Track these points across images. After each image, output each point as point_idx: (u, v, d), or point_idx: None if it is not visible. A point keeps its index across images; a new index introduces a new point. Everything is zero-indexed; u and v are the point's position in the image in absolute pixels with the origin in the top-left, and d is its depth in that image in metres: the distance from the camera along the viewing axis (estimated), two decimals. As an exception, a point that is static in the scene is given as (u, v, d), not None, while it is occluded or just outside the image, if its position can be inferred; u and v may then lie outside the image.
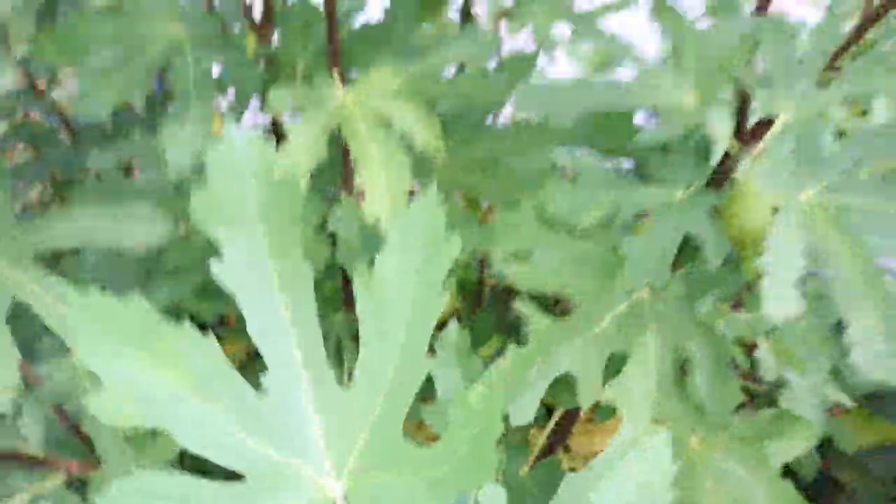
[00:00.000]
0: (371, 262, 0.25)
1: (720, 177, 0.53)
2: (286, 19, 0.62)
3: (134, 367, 0.24)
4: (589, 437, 0.70)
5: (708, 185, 0.53)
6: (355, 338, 0.25)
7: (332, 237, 0.60)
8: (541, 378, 0.50)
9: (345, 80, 0.56)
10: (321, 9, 0.60)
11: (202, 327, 0.25)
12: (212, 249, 0.26)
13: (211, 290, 0.60)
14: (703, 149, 0.54)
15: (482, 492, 0.28)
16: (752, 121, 0.49)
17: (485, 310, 0.82)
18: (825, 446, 0.78)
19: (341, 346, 0.64)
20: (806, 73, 0.49)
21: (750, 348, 0.71)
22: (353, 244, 0.58)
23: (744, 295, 0.61)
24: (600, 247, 0.52)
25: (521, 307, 0.51)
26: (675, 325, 0.51)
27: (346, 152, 0.57)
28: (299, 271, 0.25)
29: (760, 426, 0.54)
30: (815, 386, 0.65)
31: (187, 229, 0.59)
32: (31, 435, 0.46)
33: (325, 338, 0.69)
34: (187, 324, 0.25)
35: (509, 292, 0.54)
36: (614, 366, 0.52)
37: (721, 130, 0.51)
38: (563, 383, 0.52)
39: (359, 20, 0.68)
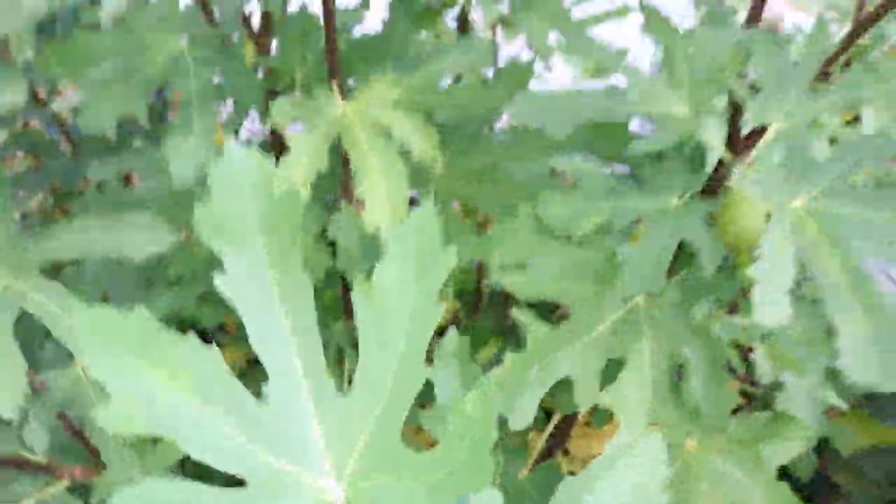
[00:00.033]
0: (369, 272, 0.26)
1: (714, 184, 0.54)
2: (285, 29, 0.63)
3: (138, 376, 0.25)
4: (587, 441, 0.71)
5: (702, 192, 0.53)
6: (356, 345, 0.26)
7: (333, 245, 0.61)
8: (539, 383, 0.51)
9: (344, 89, 0.56)
10: (319, 17, 0.61)
11: (203, 334, 0.26)
12: (213, 259, 0.27)
13: (212, 298, 0.61)
14: (698, 157, 0.54)
15: (479, 496, 0.28)
16: (745, 129, 0.50)
17: (483, 313, 0.82)
18: (822, 448, 0.79)
19: (342, 353, 0.65)
20: (797, 81, 0.50)
21: (746, 352, 0.72)
22: (353, 252, 0.59)
23: (739, 300, 0.62)
24: (597, 254, 0.53)
25: (519, 315, 0.51)
26: (670, 331, 0.52)
27: (345, 161, 0.58)
28: (299, 282, 0.26)
29: (756, 428, 0.54)
30: (810, 388, 0.66)
31: (188, 238, 0.60)
32: (37, 441, 0.46)
33: (326, 346, 0.70)
34: (190, 334, 0.25)
35: (507, 296, 0.55)
36: (612, 371, 0.52)
37: (715, 139, 0.52)
38: (562, 388, 0.53)
39: (357, 30, 0.69)
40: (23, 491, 0.49)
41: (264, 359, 0.26)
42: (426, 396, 0.44)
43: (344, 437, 0.26)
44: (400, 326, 0.25)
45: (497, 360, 0.51)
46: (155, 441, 0.49)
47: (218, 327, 0.82)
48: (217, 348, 0.25)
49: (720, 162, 0.52)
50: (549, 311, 0.69)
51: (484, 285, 0.82)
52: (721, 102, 0.54)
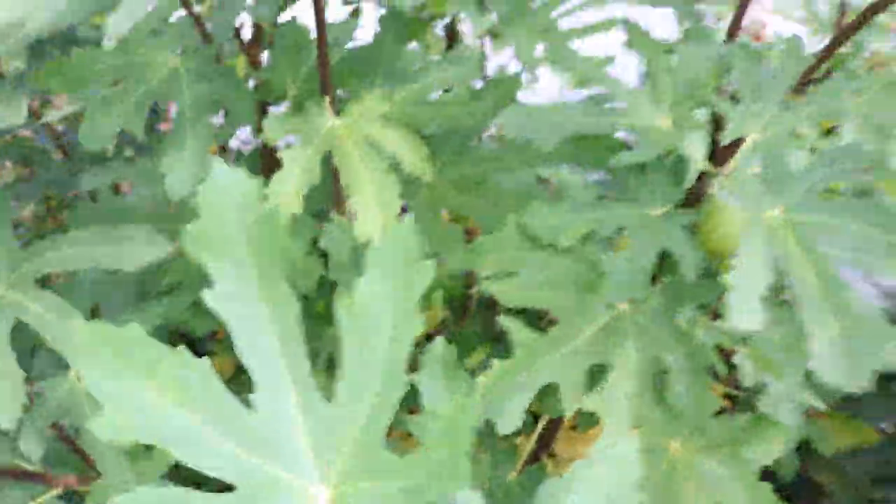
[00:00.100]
0: (351, 285, 0.27)
1: (695, 195, 0.55)
2: (277, 42, 0.64)
3: (130, 388, 0.26)
4: (573, 444, 0.72)
5: (684, 202, 0.55)
6: (346, 354, 0.27)
7: (324, 255, 0.62)
8: (525, 388, 0.52)
9: (335, 103, 0.58)
10: (310, 29, 0.62)
11: (194, 342, 0.27)
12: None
13: (203, 307, 0.62)
14: (680, 168, 0.56)
15: (461, 498, 0.29)
16: (725, 141, 0.51)
17: (472, 320, 0.83)
18: (804, 449, 0.80)
19: (334, 361, 0.66)
20: (774, 94, 0.52)
21: (729, 355, 0.73)
22: (345, 262, 0.60)
23: (721, 305, 0.63)
24: (582, 263, 0.54)
25: (506, 322, 0.53)
26: (654, 336, 0.53)
27: (336, 173, 0.59)
28: (284, 295, 0.27)
29: (737, 430, 0.56)
30: (790, 391, 0.67)
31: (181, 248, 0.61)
32: (32, 451, 0.47)
33: (318, 353, 0.71)
34: (180, 346, 0.26)
35: (495, 303, 0.56)
36: (597, 375, 0.53)
37: (696, 151, 0.54)
38: (549, 392, 0.54)
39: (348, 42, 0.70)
40: (17, 499, 0.50)
41: (252, 369, 0.28)
42: (415, 403, 0.45)
43: (330, 443, 0.27)
44: (381, 338, 0.26)
45: (485, 367, 0.52)
46: (148, 448, 0.50)
47: (210, 335, 0.82)
48: (207, 359, 0.26)
49: (701, 173, 0.54)
50: (538, 318, 0.70)
51: (472, 292, 0.83)
52: (702, 115, 0.55)
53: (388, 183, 0.53)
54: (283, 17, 0.67)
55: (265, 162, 0.73)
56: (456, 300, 0.84)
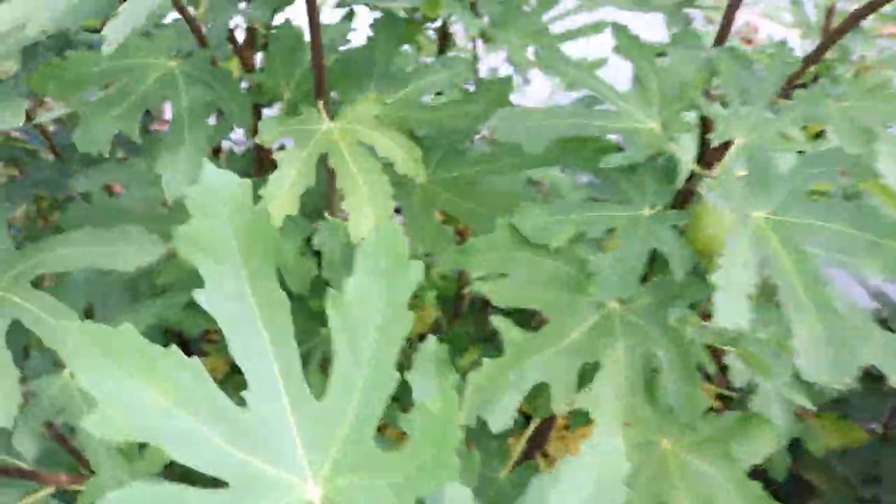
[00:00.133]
0: (341, 285, 0.27)
1: (684, 196, 0.56)
2: (272, 45, 0.64)
3: (126, 387, 0.27)
4: (565, 443, 0.72)
5: (673, 203, 0.56)
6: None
7: (318, 255, 0.62)
8: (516, 387, 0.52)
9: (329, 105, 0.58)
10: (304, 32, 0.63)
11: (187, 343, 0.28)
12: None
13: (196, 307, 0.62)
14: (669, 169, 0.56)
15: (451, 493, 0.30)
16: (713, 143, 0.52)
17: (464, 320, 0.84)
18: (795, 449, 0.81)
19: (328, 360, 0.66)
20: (760, 98, 0.53)
21: (720, 355, 0.74)
22: (338, 262, 0.61)
23: (710, 305, 0.64)
24: (572, 263, 0.55)
25: (497, 322, 0.53)
26: (644, 334, 0.54)
27: (329, 174, 0.60)
28: (275, 295, 0.28)
29: (727, 428, 0.56)
30: (780, 390, 0.68)
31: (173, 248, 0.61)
32: (26, 449, 0.47)
33: (312, 351, 0.71)
34: (172, 346, 0.27)
35: (488, 303, 0.57)
36: (588, 374, 0.54)
37: (685, 153, 0.54)
38: (540, 392, 0.55)
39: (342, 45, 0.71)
40: (10, 498, 0.50)
41: (244, 367, 0.28)
42: (409, 401, 0.45)
43: (320, 439, 0.27)
44: (370, 336, 0.27)
45: (477, 366, 0.53)
46: (142, 447, 0.50)
47: (202, 335, 0.83)
48: (198, 359, 0.27)
49: (690, 174, 0.55)
50: (531, 317, 0.70)
51: (465, 293, 0.83)
52: (692, 117, 0.56)
53: (381, 184, 0.54)
54: (277, 20, 0.68)
55: (259, 163, 0.73)
56: (448, 301, 0.85)
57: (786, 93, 0.54)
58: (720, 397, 0.84)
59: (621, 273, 0.52)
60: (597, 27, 0.70)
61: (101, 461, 0.46)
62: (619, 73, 0.61)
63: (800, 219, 0.45)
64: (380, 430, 0.46)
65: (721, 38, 0.55)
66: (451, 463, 0.23)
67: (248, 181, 0.28)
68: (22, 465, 0.50)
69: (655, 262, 0.56)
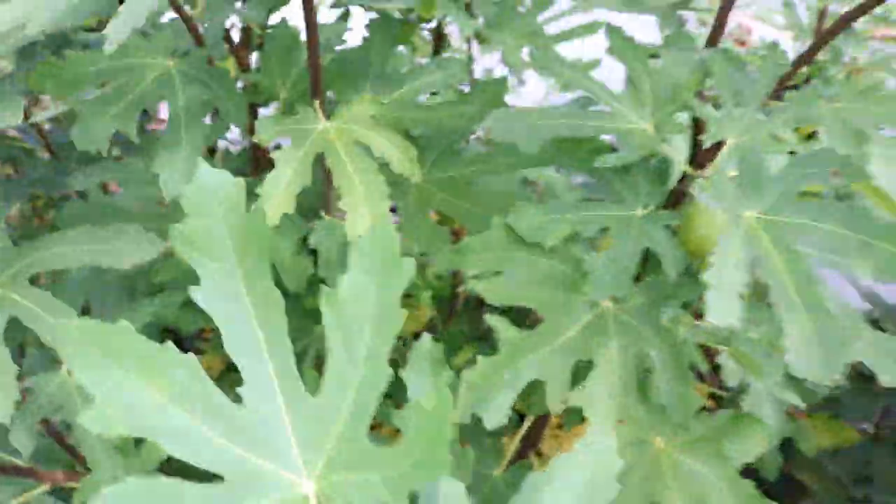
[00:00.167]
0: (336, 282, 0.28)
1: (677, 196, 0.56)
2: (267, 44, 0.65)
3: (124, 384, 0.27)
4: (559, 442, 0.73)
5: (665, 203, 0.56)
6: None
7: (314, 253, 0.63)
8: (511, 385, 0.53)
9: (325, 105, 0.58)
10: (300, 32, 0.63)
11: (182, 341, 0.28)
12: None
13: (192, 306, 0.62)
14: (662, 169, 0.57)
15: (445, 488, 0.30)
16: (705, 144, 0.53)
17: (458, 319, 0.84)
18: (787, 449, 0.81)
19: (322, 358, 0.66)
20: (752, 99, 0.53)
21: (713, 356, 0.74)
22: (334, 260, 0.61)
23: (702, 305, 0.64)
24: (566, 262, 0.55)
25: (492, 320, 0.54)
26: (637, 333, 0.54)
27: (325, 174, 0.60)
28: (270, 295, 0.28)
29: (719, 426, 0.57)
30: (771, 390, 0.68)
31: (170, 247, 0.61)
32: (22, 446, 0.48)
33: (306, 349, 0.71)
34: (168, 343, 0.27)
35: (482, 303, 0.57)
36: (581, 372, 0.54)
37: (678, 154, 0.55)
38: (534, 390, 0.55)
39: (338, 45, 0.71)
40: (6, 495, 0.50)
41: (239, 364, 0.28)
42: (404, 399, 0.46)
43: (314, 435, 0.28)
44: (364, 332, 0.27)
45: (471, 365, 0.53)
46: (137, 444, 0.50)
47: (197, 333, 0.83)
48: (194, 356, 0.27)
49: (683, 174, 0.55)
50: (525, 316, 0.71)
51: (459, 292, 0.84)
52: (683, 119, 0.57)
53: (377, 184, 0.54)
54: (272, 20, 0.68)
55: (254, 163, 0.73)
56: (443, 300, 0.85)
57: (778, 94, 0.55)
58: (712, 397, 0.84)
59: (615, 272, 0.53)
60: (591, 28, 0.71)
61: (98, 458, 0.46)
62: (612, 76, 0.62)
63: (791, 219, 0.45)
64: (374, 428, 0.46)
65: (713, 39, 0.56)
66: (445, 458, 0.24)
67: (242, 180, 0.28)
68: (18, 462, 0.50)
69: (648, 262, 0.57)
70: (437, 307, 0.83)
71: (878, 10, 0.79)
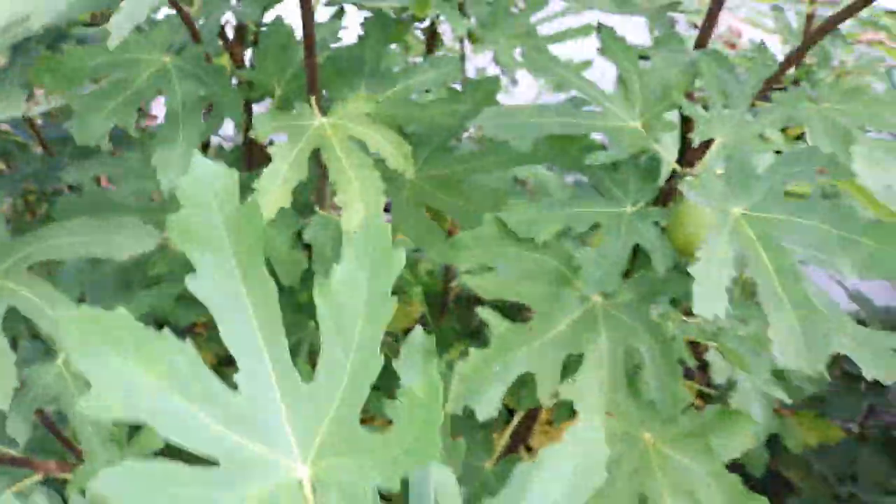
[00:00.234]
0: (329, 272, 0.28)
1: (666, 193, 0.57)
2: (262, 41, 0.65)
3: (121, 370, 0.27)
4: (549, 437, 0.74)
5: (656, 200, 0.57)
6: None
7: (308, 247, 0.63)
8: (502, 378, 0.53)
9: (321, 102, 0.59)
10: (295, 30, 0.64)
11: (176, 333, 0.29)
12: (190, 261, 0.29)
13: (187, 299, 0.63)
14: (653, 167, 0.58)
15: (435, 474, 0.31)
16: (694, 143, 0.53)
17: (449, 315, 0.85)
18: (773, 445, 0.83)
19: (316, 352, 0.67)
20: (740, 100, 0.54)
21: (702, 352, 0.75)
22: (328, 255, 0.61)
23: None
24: (557, 257, 0.56)
25: (484, 314, 0.54)
26: (626, 328, 0.55)
27: (320, 169, 0.61)
28: (264, 283, 0.29)
29: (706, 421, 0.57)
30: (758, 386, 0.70)
31: (166, 240, 0.62)
32: (18, 435, 0.48)
33: (300, 342, 0.72)
34: (166, 330, 0.28)
35: (473, 299, 0.58)
36: (571, 366, 0.55)
37: (667, 152, 0.56)
38: (523, 385, 0.56)
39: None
40: (0, 484, 0.51)
41: (235, 352, 0.29)
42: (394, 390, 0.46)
43: (308, 421, 0.28)
44: (355, 321, 0.28)
45: (463, 357, 0.54)
46: (132, 435, 0.50)
47: (189, 328, 0.83)
48: (191, 342, 0.28)
49: (672, 172, 0.56)
50: (517, 311, 0.72)
51: (450, 287, 0.84)
52: (673, 118, 0.58)
53: (372, 180, 0.55)
54: (267, 18, 0.69)
55: (248, 159, 0.74)
56: (434, 297, 0.86)
57: (765, 95, 0.56)
58: (701, 395, 0.85)
59: (605, 268, 0.54)
60: (584, 30, 0.71)
61: (95, 448, 0.47)
62: (604, 77, 0.63)
63: (778, 215, 0.46)
64: (366, 421, 0.46)
65: (703, 41, 0.57)
66: (435, 442, 0.24)
67: (235, 172, 0.29)
68: (12, 452, 0.50)
69: (638, 258, 0.58)
70: (429, 304, 0.84)
71: (864, 14, 0.80)
